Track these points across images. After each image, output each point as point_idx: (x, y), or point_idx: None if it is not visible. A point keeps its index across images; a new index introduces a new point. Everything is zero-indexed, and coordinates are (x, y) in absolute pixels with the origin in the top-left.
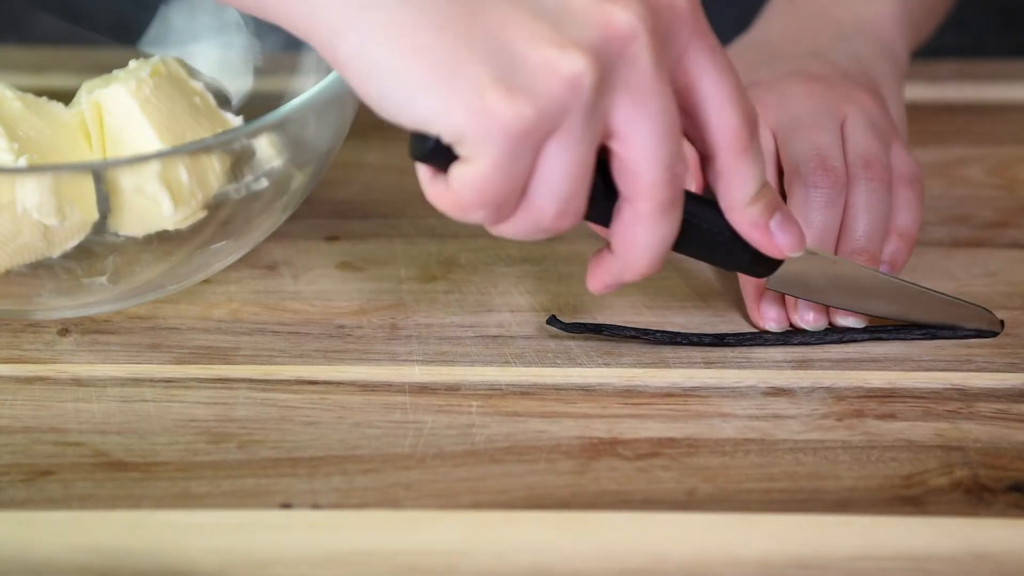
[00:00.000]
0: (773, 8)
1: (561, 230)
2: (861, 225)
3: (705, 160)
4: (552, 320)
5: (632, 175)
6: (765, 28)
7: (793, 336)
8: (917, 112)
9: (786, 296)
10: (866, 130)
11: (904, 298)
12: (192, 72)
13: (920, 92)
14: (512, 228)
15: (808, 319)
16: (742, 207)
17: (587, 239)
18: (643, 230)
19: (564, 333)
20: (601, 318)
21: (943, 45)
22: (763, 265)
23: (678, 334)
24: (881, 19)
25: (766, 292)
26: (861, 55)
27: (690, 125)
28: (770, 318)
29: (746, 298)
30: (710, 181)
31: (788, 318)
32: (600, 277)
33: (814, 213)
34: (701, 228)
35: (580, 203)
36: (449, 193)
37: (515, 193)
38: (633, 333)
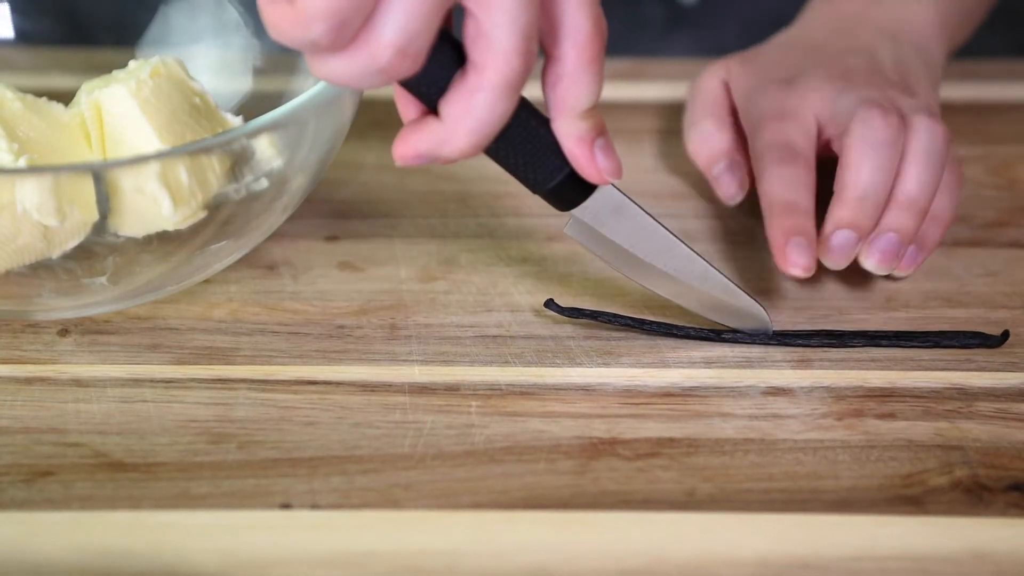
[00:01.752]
0: (812, 8)
1: (395, 75)
2: (917, 171)
3: (549, 62)
4: (549, 303)
5: (488, 40)
6: (804, 26)
7: (794, 339)
8: None
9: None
10: (921, 110)
11: (684, 279)
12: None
13: None
14: (345, 64)
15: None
16: (574, 118)
17: None
18: (483, 100)
19: (563, 332)
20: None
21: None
22: (572, 191)
23: (675, 326)
24: (919, 22)
25: (792, 238)
26: (900, 59)
27: (544, 21)
28: (796, 264)
29: (772, 243)
30: (547, 85)
31: (814, 265)
32: (413, 144)
33: (873, 150)
34: (527, 126)
35: (423, 46)
36: (290, 7)
37: (362, 11)
38: (630, 322)
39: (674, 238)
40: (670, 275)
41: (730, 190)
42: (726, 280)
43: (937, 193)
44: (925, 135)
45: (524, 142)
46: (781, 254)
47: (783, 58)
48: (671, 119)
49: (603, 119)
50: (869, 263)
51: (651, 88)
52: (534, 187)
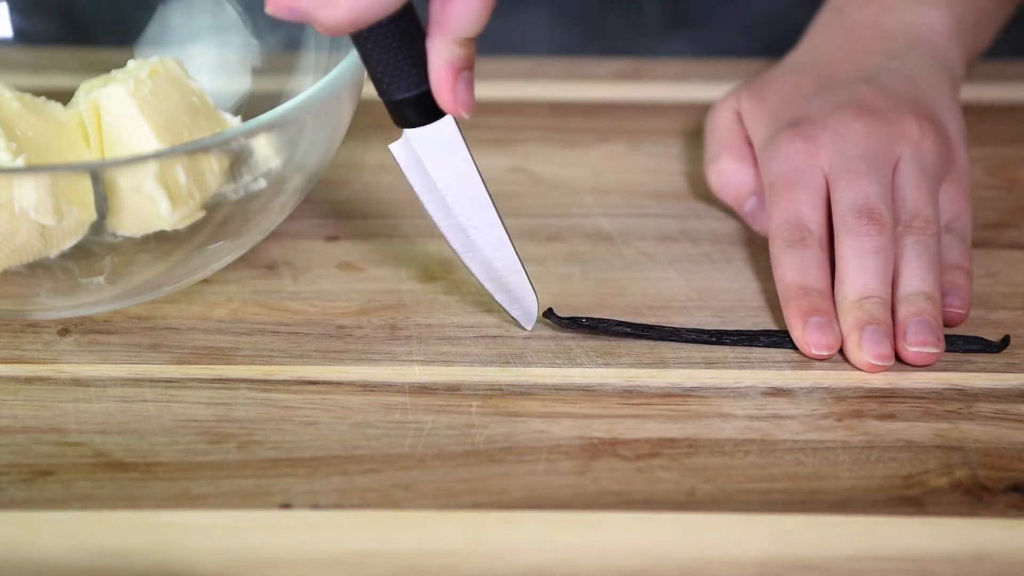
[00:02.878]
0: (820, 22)
1: None
2: (915, 278)
3: None
4: (549, 313)
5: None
6: (812, 47)
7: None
8: None
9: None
10: (917, 180)
11: (479, 240)
12: None
13: None
14: None
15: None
16: (451, 41)
17: (587, 239)
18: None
19: (564, 332)
20: (598, 317)
21: None
22: (418, 112)
23: (677, 330)
24: (934, 29)
25: (810, 319)
26: (915, 74)
27: None
28: (818, 344)
29: (791, 327)
30: (436, 1)
31: (837, 343)
32: None
33: (866, 259)
34: (404, 31)
35: None
36: None
37: None
38: (629, 330)
39: (488, 198)
40: (467, 230)
41: (765, 224)
42: (517, 260)
43: (946, 250)
44: (912, 243)
45: (395, 44)
46: (801, 336)
47: (793, 91)
48: (671, 119)
49: (474, 56)
50: (910, 355)
51: (651, 88)
52: (385, 92)
